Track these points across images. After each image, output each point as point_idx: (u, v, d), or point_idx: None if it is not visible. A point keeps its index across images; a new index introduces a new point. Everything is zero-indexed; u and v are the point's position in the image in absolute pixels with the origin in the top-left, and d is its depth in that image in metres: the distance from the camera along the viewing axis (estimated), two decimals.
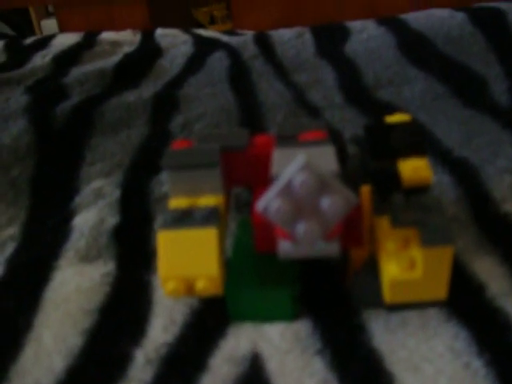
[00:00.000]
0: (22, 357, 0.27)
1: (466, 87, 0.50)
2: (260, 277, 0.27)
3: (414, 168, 0.27)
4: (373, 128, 0.29)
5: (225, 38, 0.73)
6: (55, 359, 0.26)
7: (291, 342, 0.26)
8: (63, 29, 1.35)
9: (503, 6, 0.62)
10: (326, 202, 0.22)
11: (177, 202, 0.27)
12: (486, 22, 0.60)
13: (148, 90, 0.57)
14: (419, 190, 0.26)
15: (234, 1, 1.27)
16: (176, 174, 0.27)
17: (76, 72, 0.63)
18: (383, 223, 0.26)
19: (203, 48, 0.68)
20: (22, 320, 0.29)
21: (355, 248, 0.27)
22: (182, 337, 0.27)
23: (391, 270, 0.24)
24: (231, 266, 0.28)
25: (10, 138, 0.47)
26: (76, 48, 0.73)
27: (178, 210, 0.26)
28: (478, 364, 0.24)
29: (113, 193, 0.39)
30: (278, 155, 0.26)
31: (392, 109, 0.48)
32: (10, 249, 0.35)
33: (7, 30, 1.57)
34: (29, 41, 0.80)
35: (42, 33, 1.48)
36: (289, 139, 0.27)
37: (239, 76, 0.59)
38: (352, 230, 0.25)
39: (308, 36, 0.67)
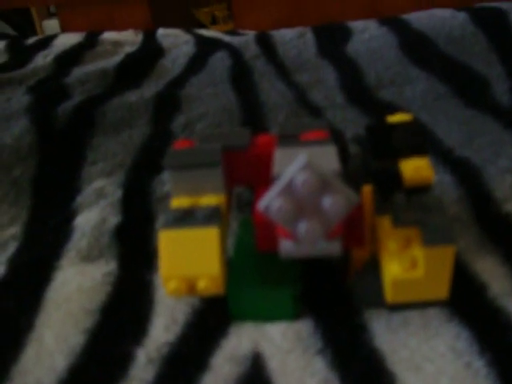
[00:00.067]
0: (23, 356, 0.27)
1: (467, 87, 0.50)
2: (261, 276, 0.27)
3: (415, 168, 0.27)
4: (374, 128, 0.29)
5: (226, 38, 0.73)
6: (57, 359, 0.26)
7: (292, 341, 0.26)
8: (65, 29, 1.35)
9: (505, 6, 0.62)
10: (328, 202, 0.22)
11: (178, 202, 0.27)
12: (488, 22, 0.60)
13: (150, 89, 0.57)
14: (421, 190, 0.26)
15: (235, 1, 1.27)
16: (178, 174, 0.27)
17: (78, 72, 0.63)
18: (385, 223, 0.26)
19: (205, 48, 0.69)
20: (23, 320, 0.29)
21: (357, 247, 0.27)
22: (184, 336, 0.27)
23: (393, 269, 0.24)
24: (233, 266, 0.28)
25: (12, 138, 0.47)
26: (78, 48, 0.73)
27: (179, 210, 0.26)
28: (479, 364, 0.23)
29: (114, 192, 0.40)
30: (279, 155, 0.26)
31: (393, 109, 0.47)
32: (11, 248, 0.35)
33: (9, 31, 1.58)
34: (30, 41, 0.80)
35: (43, 33, 1.48)
36: (290, 139, 0.27)
37: (241, 76, 0.59)
38: (353, 229, 0.25)
39: (309, 36, 0.67)
